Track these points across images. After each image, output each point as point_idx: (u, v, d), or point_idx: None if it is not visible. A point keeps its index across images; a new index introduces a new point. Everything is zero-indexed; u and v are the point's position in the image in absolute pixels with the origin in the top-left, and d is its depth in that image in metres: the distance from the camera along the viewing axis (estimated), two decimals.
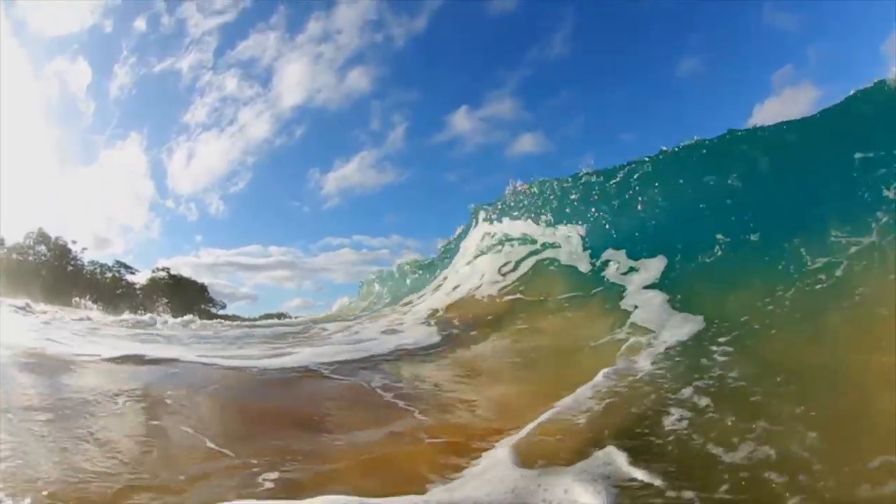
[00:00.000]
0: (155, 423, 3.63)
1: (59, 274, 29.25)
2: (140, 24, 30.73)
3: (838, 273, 5.42)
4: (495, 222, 12.07)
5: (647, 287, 7.24)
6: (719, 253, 7.17)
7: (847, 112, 7.13)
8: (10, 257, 28.93)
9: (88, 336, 8.66)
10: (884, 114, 6.71)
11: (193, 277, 33.99)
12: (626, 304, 7.07)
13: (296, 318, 21.07)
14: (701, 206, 8.01)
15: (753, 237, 6.96)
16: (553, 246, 9.74)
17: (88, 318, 13.49)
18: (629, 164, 9.34)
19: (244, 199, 34.58)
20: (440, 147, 33.26)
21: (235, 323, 17.04)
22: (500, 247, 11.25)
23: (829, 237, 5.91)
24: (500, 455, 2.79)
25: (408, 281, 17.02)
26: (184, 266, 34.62)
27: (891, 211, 5.61)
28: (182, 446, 3.24)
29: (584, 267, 8.71)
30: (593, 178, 9.86)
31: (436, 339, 7.83)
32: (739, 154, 8.07)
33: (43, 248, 30.49)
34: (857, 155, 6.43)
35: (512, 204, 11.79)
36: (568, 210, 9.97)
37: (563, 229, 9.79)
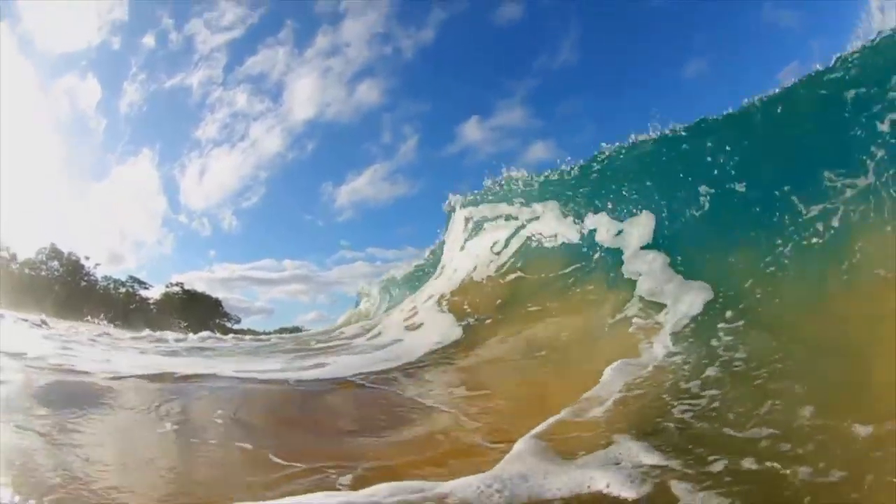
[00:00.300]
0: (212, 441, 3.57)
1: (71, 289, 29.51)
2: (148, 40, 31.15)
3: (835, 223, 5.24)
4: (470, 207, 12.04)
5: (644, 248, 7.12)
6: (706, 207, 6.94)
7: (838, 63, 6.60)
8: (22, 272, 29.26)
9: (112, 352, 8.64)
10: (875, 57, 6.11)
11: (208, 292, 34.20)
12: (627, 270, 6.99)
13: (311, 331, 20.96)
14: (679, 166, 7.64)
15: (739, 187, 6.64)
16: (535, 219, 9.64)
17: (107, 334, 13.54)
18: (600, 151, 9.14)
19: (257, 213, 34.77)
20: (452, 158, 33.37)
21: (249, 337, 17.03)
22: (484, 228, 11.18)
23: (822, 181, 5.60)
24: (535, 446, 2.94)
25: (400, 280, 16.87)
26: (198, 281, 34.90)
27: (886, 145, 5.30)
28: (246, 462, 3.20)
29: (574, 236, 8.59)
30: (560, 171, 9.76)
31: (457, 332, 7.95)
32: (720, 121, 7.60)
33: (56, 263, 30.83)
34: (849, 94, 5.93)
35: (484, 192, 11.79)
36: (539, 191, 9.85)
37: (538, 207, 9.69)
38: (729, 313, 4.91)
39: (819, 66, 6.53)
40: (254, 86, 33.23)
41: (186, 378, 5.59)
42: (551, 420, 3.31)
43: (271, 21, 34.22)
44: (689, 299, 5.60)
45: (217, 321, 32.54)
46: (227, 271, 33.14)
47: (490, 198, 11.38)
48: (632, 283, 6.63)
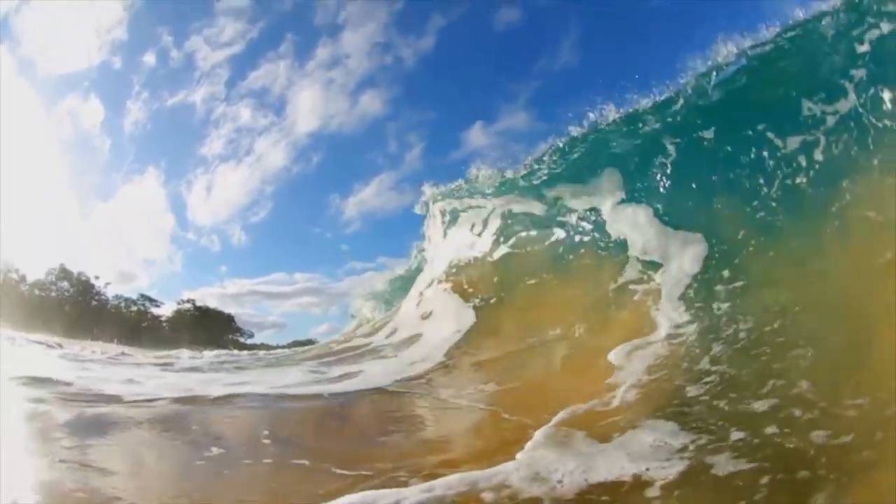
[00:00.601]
0: (267, 461, 3.44)
1: (82, 309, 29.68)
2: (149, 59, 31.06)
3: (819, 157, 5.03)
4: (441, 202, 12.16)
5: (620, 203, 6.90)
6: (673, 154, 6.57)
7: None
8: (31, 293, 29.48)
9: (134, 373, 8.50)
10: None
11: (219, 308, 34.33)
12: (613, 230, 6.82)
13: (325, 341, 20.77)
14: (636, 124, 7.16)
15: (707, 134, 6.24)
16: (502, 204, 9.58)
17: (125, 354, 13.52)
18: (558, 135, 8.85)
19: (266, 227, 34.63)
20: (458, 164, 33.31)
21: (262, 352, 17.02)
22: (460, 217, 11.21)
23: (799, 110, 5.31)
24: (573, 434, 3.16)
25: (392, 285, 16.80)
26: (209, 297, 35.28)
27: (866, 66, 5.03)
28: (309, 477, 3.11)
29: (540, 210, 8.44)
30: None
31: (470, 316, 8.07)
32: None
33: (65, 283, 31.04)
34: (825, 22, 5.51)
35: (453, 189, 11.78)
36: (495, 187, 9.79)
37: (496, 201, 9.71)
38: (726, 272, 4.89)
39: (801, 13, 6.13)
40: (257, 100, 33.28)
41: (220, 399, 5.42)
42: (583, 408, 3.55)
43: (271, 35, 34.18)
44: (684, 255, 5.50)
45: (230, 336, 32.76)
46: (238, 286, 33.22)
47: (456, 194, 11.44)
48: (622, 243, 6.46)
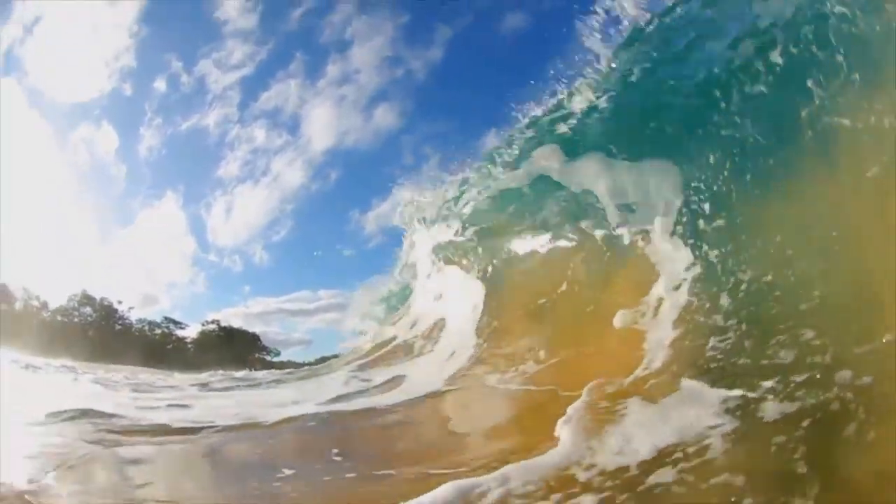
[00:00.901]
0: (349, 475, 3.38)
1: (106, 334, 30.00)
2: (160, 84, 31.12)
3: (777, 59, 4.33)
4: (411, 208, 12.32)
5: (569, 160, 6.50)
6: (607, 104, 5.99)
7: None
8: (54, 319, 29.88)
9: (173, 396, 8.53)
10: None
11: (244, 328, 34.31)
12: (573, 183, 6.44)
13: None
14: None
15: (637, 70, 5.79)
16: (463, 206, 9.48)
17: (153, 376, 13.60)
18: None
19: (287, 246, 34.79)
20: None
21: (289, 370, 17.05)
22: (435, 222, 11.13)
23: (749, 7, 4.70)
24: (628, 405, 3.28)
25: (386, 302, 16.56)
26: (234, 317, 35.25)
27: None
28: (408, 482, 3.05)
29: (498, 205, 8.29)
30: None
31: (480, 289, 8.11)
32: None
33: (88, 309, 31.32)
34: None
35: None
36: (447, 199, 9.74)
37: (451, 223, 9.65)
38: (707, 206, 4.60)
39: None
40: (270, 120, 33.19)
41: (277, 424, 5.26)
42: (626, 381, 3.64)
43: (280, 55, 33.93)
44: (651, 186, 5.20)
45: (257, 355, 33.01)
46: (262, 305, 33.14)
47: (426, 203, 11.45)
48: (590, 194, 6.08)
